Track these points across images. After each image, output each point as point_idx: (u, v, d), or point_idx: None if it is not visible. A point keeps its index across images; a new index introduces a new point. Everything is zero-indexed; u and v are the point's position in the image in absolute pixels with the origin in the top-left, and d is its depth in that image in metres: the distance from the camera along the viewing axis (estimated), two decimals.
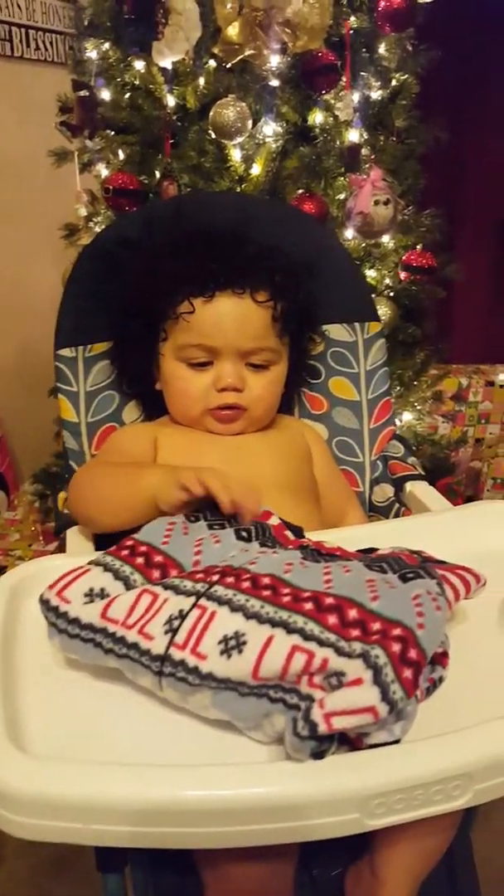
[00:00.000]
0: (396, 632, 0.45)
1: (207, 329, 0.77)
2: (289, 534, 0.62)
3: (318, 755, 0.44)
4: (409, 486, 0.83)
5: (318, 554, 0.59)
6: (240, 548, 0.58)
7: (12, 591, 0.59)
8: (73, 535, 0.72)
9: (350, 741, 0.45)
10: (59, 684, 0.53)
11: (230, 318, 0.77)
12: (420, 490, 0.80)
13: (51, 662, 0.55)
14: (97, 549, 0.70)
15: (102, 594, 0.53)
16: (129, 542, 0.58)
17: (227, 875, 0.55)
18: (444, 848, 0.60)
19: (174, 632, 0.49)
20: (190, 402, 0.79)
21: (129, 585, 0.54)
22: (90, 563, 0.56)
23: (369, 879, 0.59)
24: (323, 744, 0.44)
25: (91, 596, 0.53)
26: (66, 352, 0.85)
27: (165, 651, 0.49)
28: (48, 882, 1.13)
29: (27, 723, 0.48)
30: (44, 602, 0.53)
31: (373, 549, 0.61)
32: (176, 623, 0.49)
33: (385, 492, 0.87)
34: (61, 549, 0.74)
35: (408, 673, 0.44)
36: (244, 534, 0.60)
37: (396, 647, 0.45)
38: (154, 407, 0.85)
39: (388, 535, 0.69)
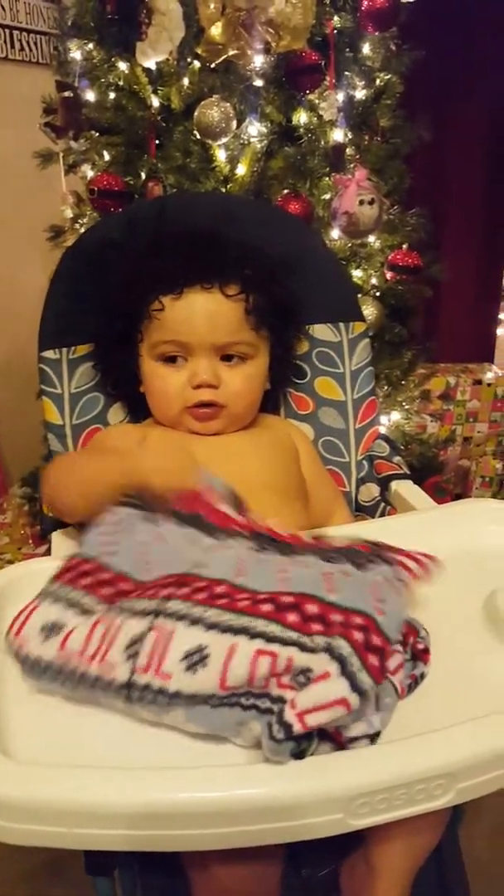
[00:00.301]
0: (357, 620, 0.46)
1: (178, 325, 0.77)
2: (230, 512, 0.61)
3: (298, 755, 0.44)
4: (394, 485, 0.83)
5: (270, 541, 0.58)
6: (188, 540, 0.57)
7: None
8: (58, 538, 0.72)
9: (330, 736, 0.45)
10: (43, 690, 0.53)
11: (200, 313, 0.77)
12: (405, 489, 0.81)
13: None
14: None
15: (56, 628, 0.52)
16: (74, 562, 0.57)
17: (215, 876, 0.55)
18: (435, 842, 0.60)
19: (134, 657, 0.48)
20: (167, 401, 0.79)
21: (82, 610, 0.53)
22: (39, 594, 0.55)
23: (364, 873, 0.59)
24: (301, 743, 0.44)
25: (46, 632, 0.52)
26: (49, 354, 0.84)
27: (129, 678, 0.48)
28: (42, 884, 1.13)
29: (11, 728, 0.48)
30: (9, 645, 0.53)
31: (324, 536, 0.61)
32: (135, 648, 0.48)
33: (371, 491, 0.87)
34: (50, 552, 0.74)
35: (373, 660, 0.44)
36: (188, 525, 0.59)
37: (359, 636, 0.45)
38: (139, 409, 0.85)
39: (375, 535, 0.69)
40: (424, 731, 0.46)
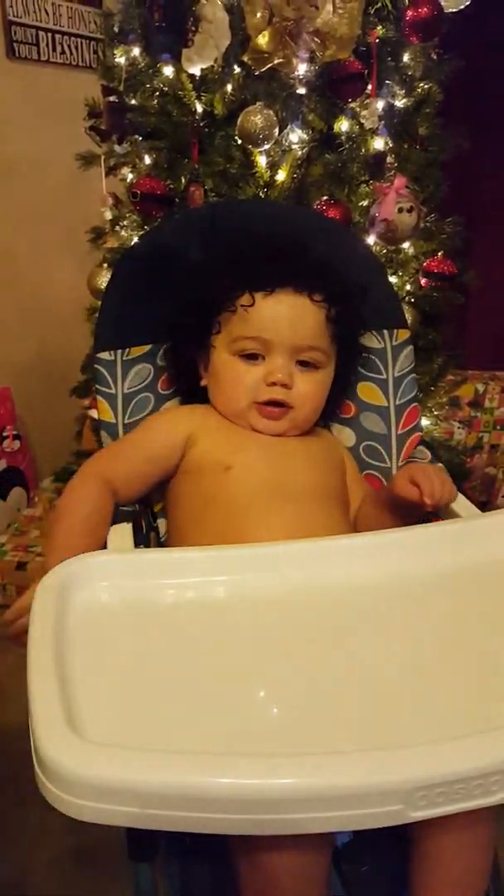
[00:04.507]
0: None
1: (265, 322, 0.79)
2: None
3: None
4: None
5: None
6: None
7: (61, 586, 0.61)
8: (113, 532, 0.74)
9: None
10: (110, 674, 0.55)
11: (287, 314, 0.79)
12: None
13: (101, 654, 0.57)
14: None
15: None
16: None
17: (264, 868, 0.57)
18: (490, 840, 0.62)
19: None
20: (239, 394, 0.81)
21: None
22: None
23: (427, 869, 0.61)
24: None
25: None
26: (105, 355, 0.87)
27: None
28: (70, 871, 1.14)
29: (82, 710, 0.50)
30: None
31: None
32: None
33: None
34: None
35: None
36: None
37: None
38: (193, 404, 0.87)
39: (419, 541, 0.71)
40: (483, 728, 0.48)
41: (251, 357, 0.80)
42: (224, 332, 0.81)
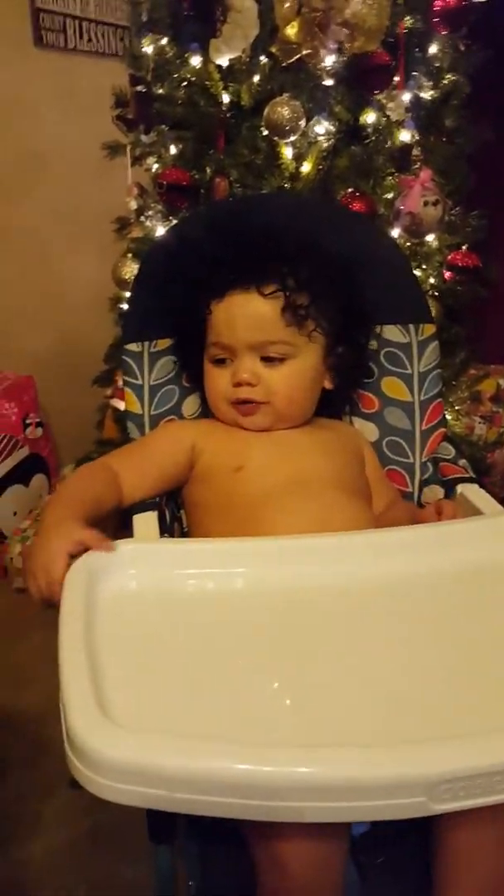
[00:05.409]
0: None
1: (220, 327, 0.81)
2: None
3: None
4: (460, 488, 0.84)
5: None
6: None
7: (90, 572, 0.62)
8: (139, 521, 0.76)
9: None
10: (136, 661, 0.56)
11: (239, 313, 0.80)
12: (472, 493, 0.82)
13: (130, 639, 0.58)
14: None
15: None
16: None
17: (279, 853, 0.57)
18: None
19: None
20: (216, 397, 0.84)
21: None
22: None
23: (450, 864, 0.62)
24: None
25: None
26: (133, 347, 0.88)
27: None
28: (85, 854, 1.16)
29: (113, 695, 0.51)
30: None
31: None
32: None
33: (435, 494, 0.88)
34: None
35: None
36: None
37: None
38: None
39: (440, 538, 0.71)
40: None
41: (221, 361, 0.83)
42: (206, 341, 0.84)
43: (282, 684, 0.56)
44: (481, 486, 0.84)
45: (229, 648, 0.59)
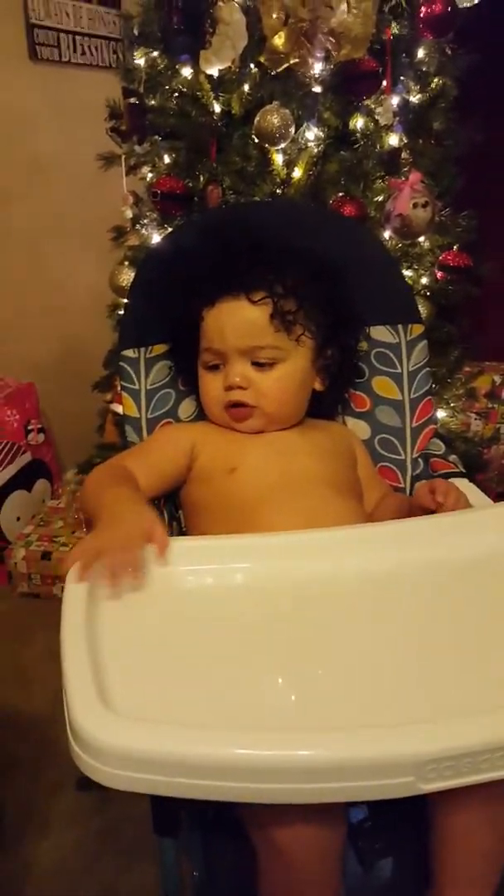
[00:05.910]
0: None
1: (212, 334, 0.83)
2: None
3: None
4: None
5: None
6: None
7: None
8: None
9: None
10: (137, 654, 0.59)
11: (229, 320, 0.82)
12: (462, 487, 0.83)
13: (131, 632, 0.61)
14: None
15: None
16: None
17: (278, 839, 0.59)
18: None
19: None
20: (210, 402, 0.86)
21: None
22: None
23: (448, 849, 0.64)
24: None
25: None
26: (129, 352, 0.90)
27: None
28: (95, 851, 1.17)
29: (114, 686, 0.53)
30: None
31: None
32: None
33: None
34: None
35: None
36: None
37: None
38: None
39: (431, 531, 0.74)
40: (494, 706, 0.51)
41: (214, 367, 0.85)
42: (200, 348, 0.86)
43: (279, 674, 0.58)
44: (471, 480, 0.86)
45: (228, 640, 0.61)
